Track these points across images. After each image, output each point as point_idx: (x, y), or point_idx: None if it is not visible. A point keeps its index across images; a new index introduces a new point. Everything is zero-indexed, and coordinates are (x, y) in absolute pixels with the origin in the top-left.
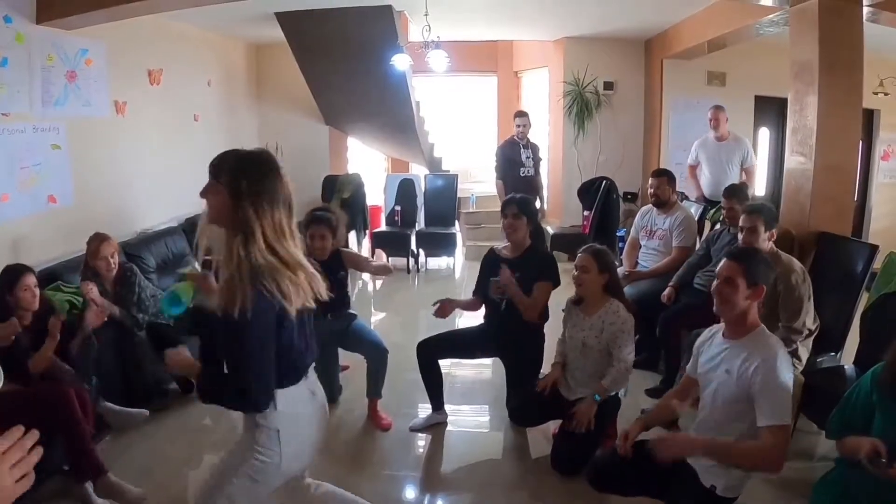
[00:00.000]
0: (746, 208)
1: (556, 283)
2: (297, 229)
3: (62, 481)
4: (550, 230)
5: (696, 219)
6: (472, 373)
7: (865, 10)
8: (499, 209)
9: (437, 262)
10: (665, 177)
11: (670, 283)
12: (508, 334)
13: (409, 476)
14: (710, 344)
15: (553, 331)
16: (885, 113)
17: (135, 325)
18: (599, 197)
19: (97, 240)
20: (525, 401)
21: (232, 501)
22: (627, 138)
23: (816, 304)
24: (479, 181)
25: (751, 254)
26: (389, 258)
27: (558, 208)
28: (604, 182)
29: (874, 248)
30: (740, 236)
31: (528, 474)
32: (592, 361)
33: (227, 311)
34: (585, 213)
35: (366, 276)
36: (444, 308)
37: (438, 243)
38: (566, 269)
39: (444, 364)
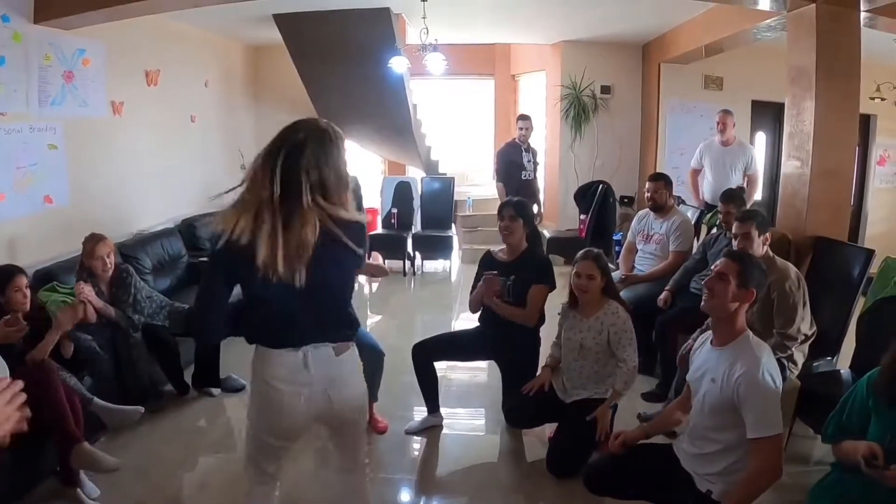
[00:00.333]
0: (738, 215)
1: (552, 286)
2: None
3: (54, 483)
4: (547, 234)
5: (693, 223)
6: (467, 375)
7: (863, 15)
8: (495, 212)
9: (434, 265)
10: (662, 181)
11: (667, 288)
12: (504, 337)
13: (405, 479)
14: (700, 351)
15: (548, 333)
16: (882, 118)
17: (130, 326)
18: (596, 201)
19: (93, 240)
20: (521, 403)
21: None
22: (624, 142)
23: (813, 309)
24: (476, 184)
25: (749, 258)
26: (385, 261)
27: (555, 212)
28: (600, 186)
29: (870, 253)
30: (735, 243)
31: (523, 477)
32: (590, 363)
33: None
34: (582, 216)
35: (362, 278)
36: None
37: (435, 246)
38: (562, 272)
39: (440, 367)
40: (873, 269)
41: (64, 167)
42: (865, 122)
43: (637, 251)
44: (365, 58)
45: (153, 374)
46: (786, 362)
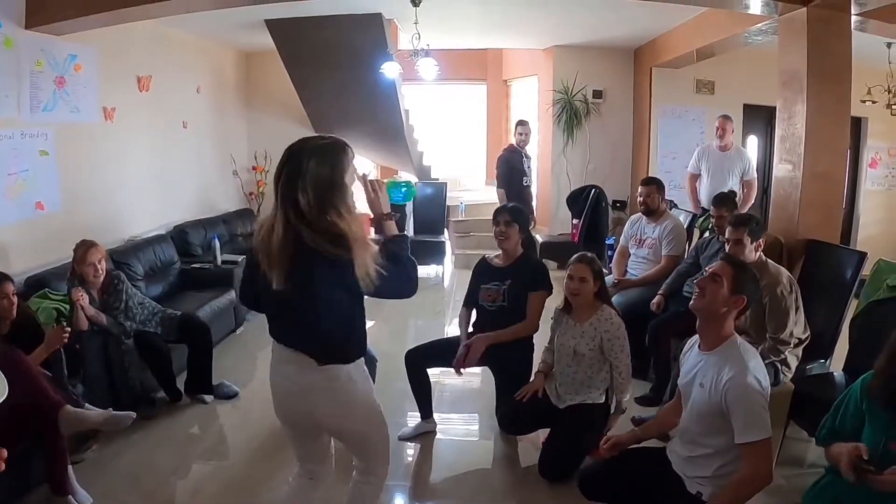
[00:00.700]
0: (731, 220)
1: (549, 290)
2: None
3: (45, 493)
4: (539, 238)
5: (686, 227)
6: (460, 381)
7: (854, 18)
8: (488, 217)
9: (426, 271)
10: (654, 185)
11: (659, 292)
12: (498, 342)
13: (399, 485)
14: (689, 354)
15: (541, 339)
16: (873, 121)
17: (122, 332)
18: (588, 205)
19: (84, 246)
20: (514, 409)
21: None
22: (616, 147)
23: (806, 312)
24: (469, 189)
25: (745, 266)
26: None
27: (547, 216)
28: (593, 190)
29: (863, 256)
30: (727, 247)
31: (517, 483)
32: (584, 369)
33: None
34: (574, 221)
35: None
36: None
37: (427, 252)
38: (556, 277)
39: (433, 373)
40: (866, 271)
41: (55, 173)
42: (857, 124)
43: (629, 255)
44: (357, 63)
45: (145, 381)
46: (779, 366)
